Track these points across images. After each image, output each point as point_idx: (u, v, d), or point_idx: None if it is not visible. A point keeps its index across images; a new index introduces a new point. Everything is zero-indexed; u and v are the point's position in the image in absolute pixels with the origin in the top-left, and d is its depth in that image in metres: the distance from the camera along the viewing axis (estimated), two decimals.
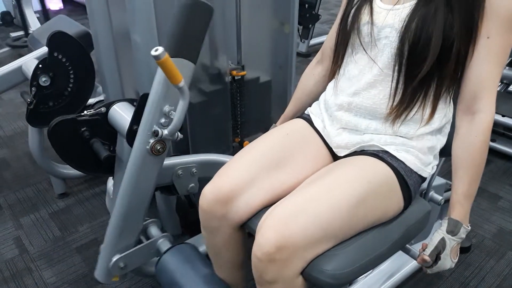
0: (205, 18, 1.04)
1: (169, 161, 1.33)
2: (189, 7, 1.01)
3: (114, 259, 1.18)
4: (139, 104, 1.13)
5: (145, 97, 1.08)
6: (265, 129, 1.78)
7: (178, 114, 1.01)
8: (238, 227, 1.03)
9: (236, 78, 1.60)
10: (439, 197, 1.29)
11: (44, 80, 1.62)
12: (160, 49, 0.81)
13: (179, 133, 1.07)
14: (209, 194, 1.00)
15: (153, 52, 0.81)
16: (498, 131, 2.37)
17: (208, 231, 1.06)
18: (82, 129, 1.25)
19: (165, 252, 1.20)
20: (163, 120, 1.05)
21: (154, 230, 1.30)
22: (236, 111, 1.69)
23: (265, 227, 0.86)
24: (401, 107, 0.95)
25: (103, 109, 1.27)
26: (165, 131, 1.05)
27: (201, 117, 1.59)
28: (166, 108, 1.05)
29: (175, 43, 0.99)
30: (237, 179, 0.99)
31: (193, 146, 1.61)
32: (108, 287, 1.57)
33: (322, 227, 0.85)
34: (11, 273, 1.65)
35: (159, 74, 1.03)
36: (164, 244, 1.26)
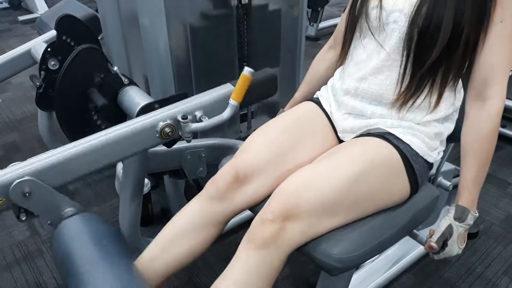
0: (271, 90, 1.28)
1: (177, 145, 1.34)
2: (266, 80, 1.25)
3: (26, 177, 0.95)
4: (176, 96, 1.17)
5: (184, 95, 1.16)
6: (274, 63, 1.74)
7: (210, 122, 1.09)
8: (228, 219, 1.03)
9: (243, 2, 1.50)
10: (447, 183, 1.29)
11: (53, 64, 1.62)
12: (252, 71, 1.03)
13: (192, 135, 1.11)
14: (227, 174, 1.01)
15: (249, 69, 1.03)
16: (509, 117, 2.35)
17: (201, 209, 1.02)
18: (97, 75, 1.25)
19: (69, 216, 1.00)
20: (188, 117, 1.09)
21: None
22: (242, 40, 1.57)
23: (272, 199, 0.90)
24: (408, 93, 0.94)
25: (126, 80, 1.27)
26: (191, 124, 1.08)
27: (205, 44, 1.50)
28: (199, 112, 1.11)
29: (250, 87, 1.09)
30: (251, 163, 1.01)
31: (196, 78, 1.53)
32: None
33: (323, 202, 0.86)
34: (23, 254, 1.68)
35: (223, 88, 1.17)
36: (69, 212, 1.04)
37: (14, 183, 0.93)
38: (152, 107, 1.16)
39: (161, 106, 1.13)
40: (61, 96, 1.26)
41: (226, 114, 1.09)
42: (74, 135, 1.30)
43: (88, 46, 1.23)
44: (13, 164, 0.98)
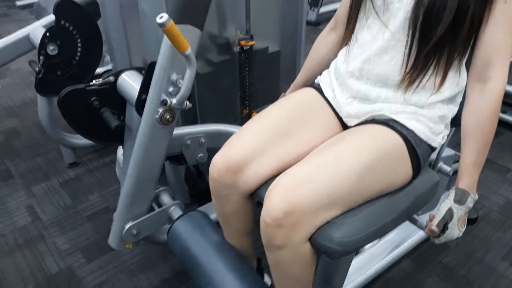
0: None
1: (177, 131, 1.34)
2: None
3: (127, 226, 1.21)
4: (147, 72, 1.12)
5: (153, 65, 1.07)
6: (274, 101, 1.78)
7: (186, 83, 1.00)
8: (247, 196, 1.04)
9: (244, 48, 1.57)
10: (447, 168, 1.29)
11: (52, 49, 1.61)
12: (165, 16, 0.79)
13: (187, 102, 1.07)
14: (219, 163, 1.01)
15: (158, 20, 0.79)
16: (509, 103, 2.34)
17: (218, 199, 1.07)
18: (92, 99, 1.26)
19: (176, 219, 1.22)
20: (171, 89, 1.05)
21: (165, 198, 1.32)
22: (244, 82, 1.66)
23: (273, 193, 0.87)
24: (414, 73, 0.93)
25: (111, 78, 1.27)
26: (174, 100, 1.04)
27: (209, 88, 1.58)
28: (174, 76, 1.04)
29: (180, 8, 0.97)
30: (246, 148, 1.00)
31: (202, 118, 1.61)
32: (117, 254, 1.61)
33: (329, 194, 0.85)
34: (25, 240, 1.69)
35: (166, 41, 1.02)
36: (175, 211, 1.28)
37: (123, 234, 1.22)
38: (141, 100, 1.15)
39: (146, 93, 1.11)
40: (85, 133, 1.34)
41: (191, 67, 0.97)
42: (78, 126, 1.31)
43: (67, 91, 1.24)
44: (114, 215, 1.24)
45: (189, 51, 0.89)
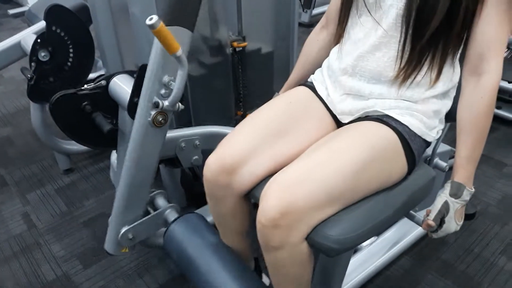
0: None
1: (172, 134, 1.33)
2: None
3: (123, 230, 1.20)
4: (139, 75, 1.11)
5: (144, 68, 1.06)
6: (268, 97, 1.78)
7: (177, 84, 1.00)
8: (242, 196, 1.04)
9: (237, 49, 1.57)
10: (443, 164, 1.29)
11: (43, 55, 1.60)
12: (155, 18, 0.79)
13: (180, 104, 1.06)
14: (212, 165, 1.00)
15: (147, 22, 0.79)
16: (504, 98, 2.35)
17: (213, 201, 1.07)
18: (84, 103, 1.25)
19: (172, 222, 1.21)
20: (163, 91, 1.04)
21: (161, 201, 1.31)
22: (238, 83, 1.66)
23: (269, 193, 0.86)
24: (409, 69, 0.93)
25: (103, 82, 1.26)
26: (166, 102, 1.03)
27: (202, 90, 1.57)
28: (166, 78, 1.03)
29: (170, 10, 0.96)
30: (240, 149, 0.99)
31: (196, 120, 1.60)
32: (114, 259, 1.59)
33: (326, 192, 0.84)
34: (21, 247, 1.68)
35: (157, 43, 1.00)
36: (171, 214, 1.27)
37: (119, 238, 1.21)
38: (133, 103, 1.14)
39: (138, 96, 1.10)
40: (78, 138, 1.33)
41: (182, 68, 0.97)
42: (70, 131, 1.30)
43: (58, 96, 1.22)
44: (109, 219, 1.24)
45: (180, 52, 0.88)
